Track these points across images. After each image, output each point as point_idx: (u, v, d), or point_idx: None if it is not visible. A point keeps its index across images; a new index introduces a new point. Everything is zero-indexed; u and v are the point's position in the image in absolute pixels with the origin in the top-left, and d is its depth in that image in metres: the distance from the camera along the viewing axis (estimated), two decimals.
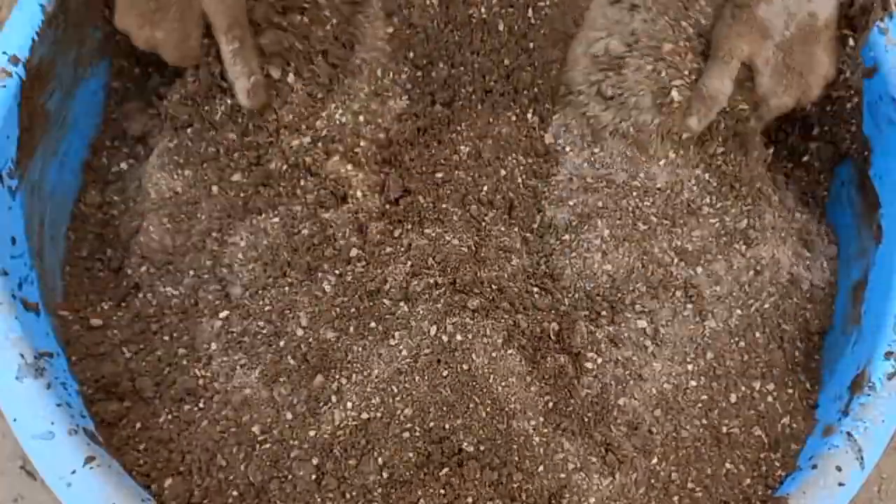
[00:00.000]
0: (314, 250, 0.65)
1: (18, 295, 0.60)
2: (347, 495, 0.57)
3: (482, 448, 0.58)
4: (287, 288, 0.65)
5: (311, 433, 0.59)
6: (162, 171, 0.70)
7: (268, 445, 0.59)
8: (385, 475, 0.58)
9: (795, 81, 0.65)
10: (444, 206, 0.67)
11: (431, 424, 0.59)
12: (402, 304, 0.63)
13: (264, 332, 0.64)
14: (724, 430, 0.64)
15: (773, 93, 0.65)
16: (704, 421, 0.64)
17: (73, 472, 0.53)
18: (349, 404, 0.60)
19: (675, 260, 0.67)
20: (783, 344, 0.68)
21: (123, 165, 0.73)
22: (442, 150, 0.69)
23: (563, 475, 0.59)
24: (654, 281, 0.67)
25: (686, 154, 0.68)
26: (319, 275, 0.64)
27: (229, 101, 0.66)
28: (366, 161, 0.69)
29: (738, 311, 0.68)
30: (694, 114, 0.65)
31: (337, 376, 0.61)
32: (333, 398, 0.60)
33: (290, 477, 0.58)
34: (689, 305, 0.66)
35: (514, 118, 0.71)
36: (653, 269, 0.67)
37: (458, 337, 0.61)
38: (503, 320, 0.63)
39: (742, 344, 0.67)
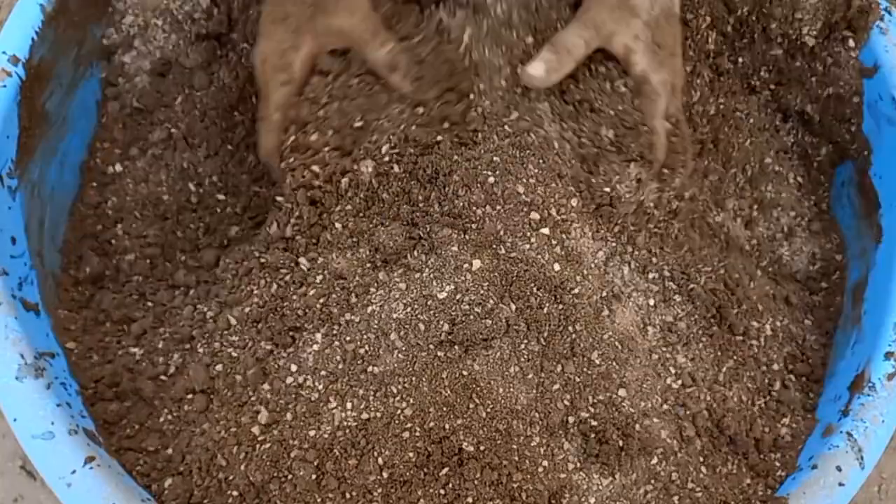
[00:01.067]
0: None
1: (18, 295, 0.60)
2: (347, 495, 0.57)
3: (482, 448, 0.58)
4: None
5: (311, 433, 0.59)
6: None
7: (268, 445, 0.59)
8: (385, 475, 0.58)
9: (667, 59, 0.64)
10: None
11: (431, 424, 0.59)
12: None
13: None
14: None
15: (651, 69, 0.63)
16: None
17: (73, 472, 0.53)
18: (349, 404, 0.60)
19: None
20: None
21: (119, 167, 0.73)
22: None
23: (563, 475, 0.59)
24: None
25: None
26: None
27: None
28: None
29: None
30: (540, 59, 0.61)
31: None
32: (333, 399, 0.60)
33: (290, 477, 0.58)
34: None
35: None
36: None
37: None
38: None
39: None
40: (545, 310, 0.61)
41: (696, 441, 0.63)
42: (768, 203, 0.74)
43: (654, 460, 0.61)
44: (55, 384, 0.57)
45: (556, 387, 0.60)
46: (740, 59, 0.75)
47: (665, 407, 0.63)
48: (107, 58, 0.73)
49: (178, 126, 0.72)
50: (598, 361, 0.61)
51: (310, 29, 0.61)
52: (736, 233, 0.72)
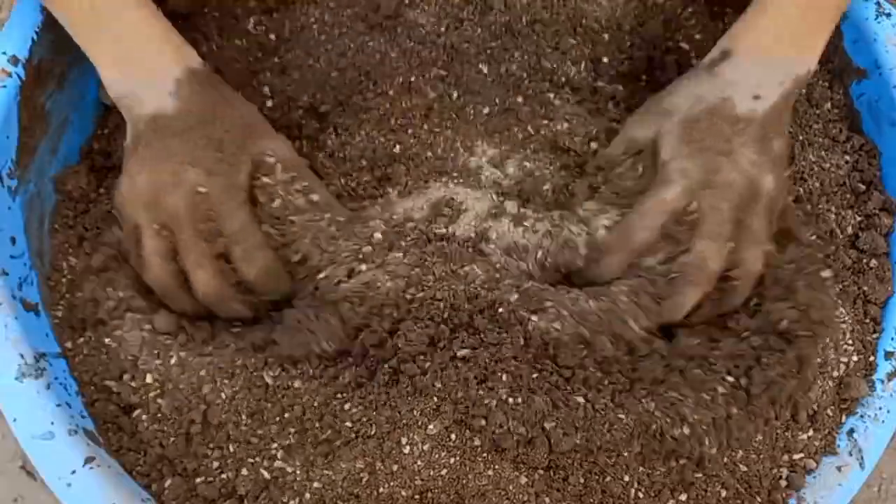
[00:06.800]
0: None
1: (18, 295, 0.60)
2: None
3: None
4: None
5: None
6: None
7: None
8: None
9: (706, 154, 0.59)
10: None
11: None
12: None
13: None
14: None
15: (675, 156, 0.59)
16: None
17: (73, 472, 0.53)
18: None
19: None
20: None
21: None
22: None
23: None
24: None
25: None
26: None
27: None
28: None
29: None
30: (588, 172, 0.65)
31: None
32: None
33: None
34: None
35: None
36: None
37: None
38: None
39: None
40: None
41: None
42: None
43: None
44: (55, 384, 0.57)
45: None
46: None
47: None
48: None
49: None
50: None
51: (244, 151, 0.60)
52: None
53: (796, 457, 0.60)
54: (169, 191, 0.57)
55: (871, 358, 0.63)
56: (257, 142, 0.61)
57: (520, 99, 0.69)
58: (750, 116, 0.59)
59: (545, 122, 0.68)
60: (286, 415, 0.57)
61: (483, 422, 0.56)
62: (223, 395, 0.58)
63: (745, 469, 0.59)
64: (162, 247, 0.58)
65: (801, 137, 0.71)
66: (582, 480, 0.56)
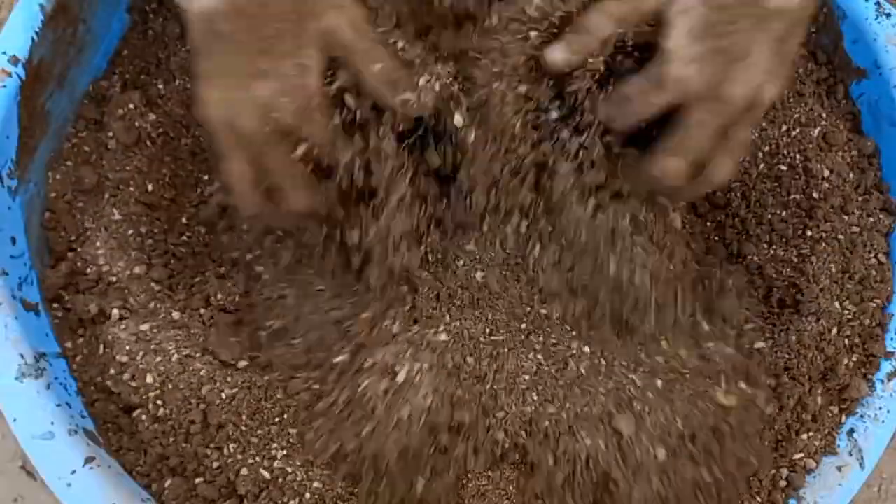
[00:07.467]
0: None
1: (18, 295, 0.60)
2: None
3: None
4: None
5: None
6: None
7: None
8: None
9: (715, 61, 0.47)
10: None
11: None
12: None
13: None
14: None
15: (681, 58, 0.47)
16: None
17: (73, 472, 0.53)
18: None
19: None
20: None
21: None
22: None
23: None
24: None
25: None
26: None
27: None
28: None
29: None
30: (560, 43, 0.50)
31: None
32: None
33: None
34: None
35: None
36: None
37: None
38: None
39: None
40: None
41: None
42: None
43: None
44: (55, 384, 0.57)
45: None
46: None
47: None
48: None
49: None
50: None
51: (303, 38, 0.48)
52: None
53: (796, 457, 0.61)
54: (241, 114, 0.48)
55: (871, 358, 0.63)
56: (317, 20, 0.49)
57: None
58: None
59: None
60: (286, 415, 0.57)
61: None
62: (223, 395, 0.58)
63: (745, 469, 0.59)
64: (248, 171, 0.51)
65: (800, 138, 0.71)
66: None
